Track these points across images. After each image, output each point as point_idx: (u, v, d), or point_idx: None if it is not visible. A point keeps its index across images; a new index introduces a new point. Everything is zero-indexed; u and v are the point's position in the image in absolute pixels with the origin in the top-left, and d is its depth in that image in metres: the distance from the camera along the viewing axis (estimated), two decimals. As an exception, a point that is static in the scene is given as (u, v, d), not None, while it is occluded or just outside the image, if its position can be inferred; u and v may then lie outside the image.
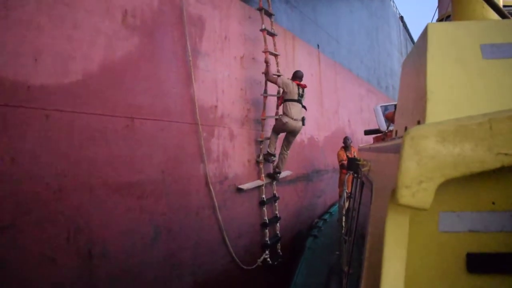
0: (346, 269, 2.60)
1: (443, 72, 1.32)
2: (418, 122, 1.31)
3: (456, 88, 1.29)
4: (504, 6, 2.37)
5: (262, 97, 5.56)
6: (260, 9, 5.47)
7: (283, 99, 5.29)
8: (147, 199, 3.52)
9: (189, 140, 4.15)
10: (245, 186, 4.95)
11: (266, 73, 5.34)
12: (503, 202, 1.02)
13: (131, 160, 3.40)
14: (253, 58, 5.55)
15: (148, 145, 3.57)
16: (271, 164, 5.66)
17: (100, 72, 3.16)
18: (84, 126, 3.00)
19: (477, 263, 1.02)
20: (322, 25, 8.87)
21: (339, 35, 10.14)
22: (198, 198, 4.18)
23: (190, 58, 4.13)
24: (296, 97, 5.19)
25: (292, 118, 5.13)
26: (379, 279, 1.00)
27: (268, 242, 5.31)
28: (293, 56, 7.08)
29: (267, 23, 5.56)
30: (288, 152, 5.57)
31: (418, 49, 1.53)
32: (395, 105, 2.33)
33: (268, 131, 5.52)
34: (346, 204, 3.81)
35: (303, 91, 5.34)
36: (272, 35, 5.67)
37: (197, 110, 4.19)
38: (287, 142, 5.51)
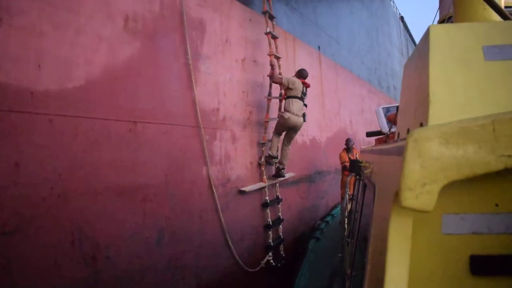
0: (348, 271, 2.59)
1: (446, 74, 1.32)
2: (421, 124, 1.31)
3: (459, 90, 1.28)
4: (506, 7, 2.37)
5: (263, 99, 5.58)
6: (264, 13, 5.50)
7: (286, 95, 5.33)
8: (151, 202, 3.53)
9: (192, 143, 4.16)
10: (247, 188, 4.95)
11: (272, 76, 5.41)
12: (507, 204, 1.02)
13: (134, 163, 3.41)
14: (254, 61, 5.57)
15: (151, 149, 3.58)
16: (273, 167, 5.66)
17: (103, 77, 3.18)
18: (88, 131, 3.01)
19: (480, 265, 1.02)
20: (323, 27, 8.88)
21: (339, 36, 10.14)
22: (201, 200, 4.19)
23: (191, 62, 4.14)
24: (299, 95, 5.25)
25: (294, 114, 5.17)
26: (383, 282, 1.00)
27: (272, 244, 5.31)
28: (294, 58, 7.09)
29: (269, 26, 5.58)
30: (290, 147, 5.59)
31: (420, 51, 1.54)
32: (397, 107, 2.33)
33: (271, 133, 5.53)
34: (348, 206, 3.81)
35: (306, 90, 5.40)
36: (275, 37, 5.70)
37: (198, 113, 4.21)
38: (289, 138, 5.53)
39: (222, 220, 4.39)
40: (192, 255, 4.02)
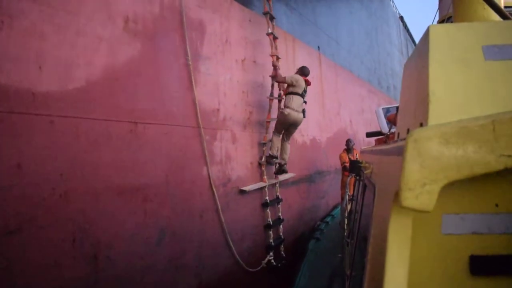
0: (348, 271, 2.59)
1: (445, 74, 1.32)
2: (421, 124, 1.31)
3: (459, 90, 1.28)
4: (505, 7, 2.37)
5: (263, 99, 5.59)
6: (265, 13, 5.52)
7: (286, 92, 5.35)
8: (151, 202, 3.54)
9: (192, 143, 4.16)
10: (248, 188, 4.95)
11: (274, 76, 5.43)
12: (507, 204, 1.02)
13: (135, 164, 3.41)
14: (254, 61, 5.57)
15: (151, 149, 3.59)
16: (273, 167, 5.67)
17: (103, 78, 3.18)
18: (89, 131, 3.02)
19: (480, 265, 1.02)
20: (322, 27, 8.87)
21: (338, 36, 10.14)
22: (201, 200, 4.19)
23: (190, 62, 4.15)
24: (300, 92, 5.28)
25: (294, 110, 5.19)
26: (382, 282, 1.00)
27: (272, 243, 5.31)
28: (294, 58, 7.09)
29: (270, 27, 5.59)
30: (289, 142, 5.61)
31: (420, 51, 1.54)
32: (397, 107, 2.33)
33: (272, 133, 5.54)
34: (348, 207, 3.81)
35: (307, 87, 5.42)
36: (275, 38, 5.70)
37: (199, 113, 4.21)
38: (288, 133, 5.54)
39: (223, 220, 4.39)
40: (193, 255, 4.02)
